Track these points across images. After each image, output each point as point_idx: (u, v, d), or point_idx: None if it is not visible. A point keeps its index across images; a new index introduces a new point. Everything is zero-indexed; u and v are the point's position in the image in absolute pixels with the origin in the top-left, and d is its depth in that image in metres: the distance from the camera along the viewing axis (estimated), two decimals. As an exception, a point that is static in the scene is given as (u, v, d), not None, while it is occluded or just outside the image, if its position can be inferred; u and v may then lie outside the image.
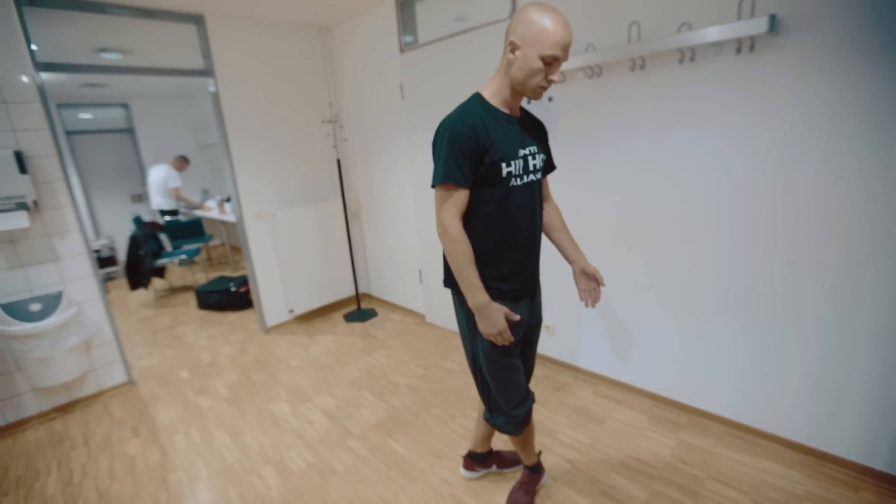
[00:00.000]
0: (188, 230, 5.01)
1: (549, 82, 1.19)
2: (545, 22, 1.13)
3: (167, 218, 5.23)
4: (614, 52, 1.88)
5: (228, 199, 5.29)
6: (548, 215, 1.49)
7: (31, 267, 2.43)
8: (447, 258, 1.28)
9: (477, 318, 1.28)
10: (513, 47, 1.19)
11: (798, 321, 1.69)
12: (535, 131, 1.37)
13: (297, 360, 2.96)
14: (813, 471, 1.70)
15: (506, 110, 1.28)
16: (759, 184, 1.68)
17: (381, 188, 3.46)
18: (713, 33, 1.61)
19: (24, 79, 2.31)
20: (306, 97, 3.48)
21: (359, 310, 3.63)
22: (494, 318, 1.25)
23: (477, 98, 1.29)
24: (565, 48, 1.15)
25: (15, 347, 2.33)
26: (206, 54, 2.96)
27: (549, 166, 1.45)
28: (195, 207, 5.61)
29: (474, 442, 1.77)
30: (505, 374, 1.39)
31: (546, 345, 2.60)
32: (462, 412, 2.24)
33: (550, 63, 1.16)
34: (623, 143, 2.02)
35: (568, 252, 1.48)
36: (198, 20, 2.90)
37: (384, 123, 3.24)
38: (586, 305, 1.47)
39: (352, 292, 3.78)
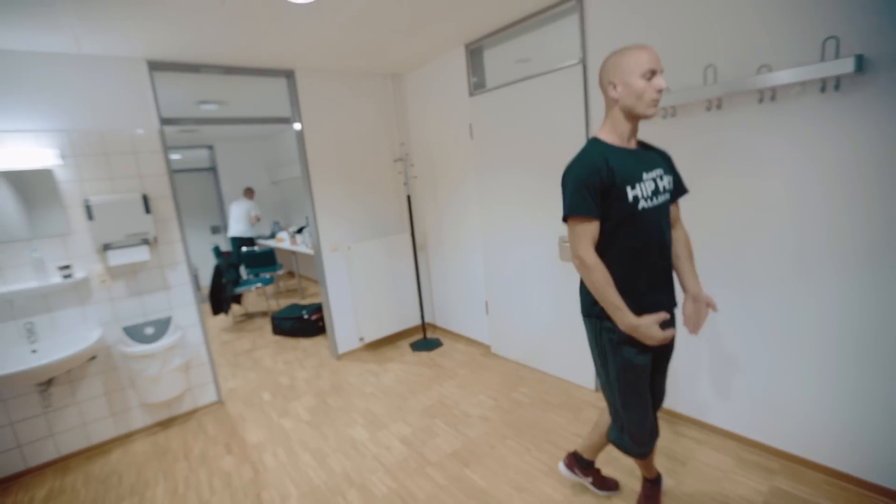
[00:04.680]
0: (262, 259, 5.40)
1: (659, 91, 1.31)
2: (627, 54, 1.33)
3: (244, 248, 5.68)
4: (690, 93, 1.94)
5: (300, 231, 5.67)
6: (674, 242, 1.53)
7: (147, 295, 2.75)
8: (588, 287, 1.38)
9: (635, 337, 1.35)
10: (613, 85, 1.35)
11: (905, 364, 1.61)
12: (657, 156, 1.47)
13: (370, 386, 3.09)
14: (933, 529, 1.57)
15: (624, 145, 1.40)
16: (851, 221, 1.65)
17: (449, 223, 3.63)
18: (794, 74, 1.64)
19: (152, 132, 2.69)
20: (379, 137, 3.75)
21: (425, 339, 3.74)
22: (649, 332, 1.31)
23: (593, 141, 1.42)
24: (656, 61, 1.31)
25: (131, 366, 2.62)
26: (294, 103, 3.30)
27: (679, 190, 1.53)
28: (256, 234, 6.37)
29: (583, 447, 1.85)
30: (635, 401, 1.47)
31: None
32: (537, 446, 2.25)
33: (650, 78, 1.30)
34: (699, 180, 2.04)
35: (685, 280, 1.52)
36: (289, 74, 3.25)
37: (453, 161, 3.43)
38: (689, 332, 1.48)
39: (418, 322, 3.92)
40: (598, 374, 1.57)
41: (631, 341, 1.40)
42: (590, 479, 1.88)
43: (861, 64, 1.53)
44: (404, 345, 3.77)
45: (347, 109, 3.55)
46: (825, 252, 1.73)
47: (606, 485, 1.88)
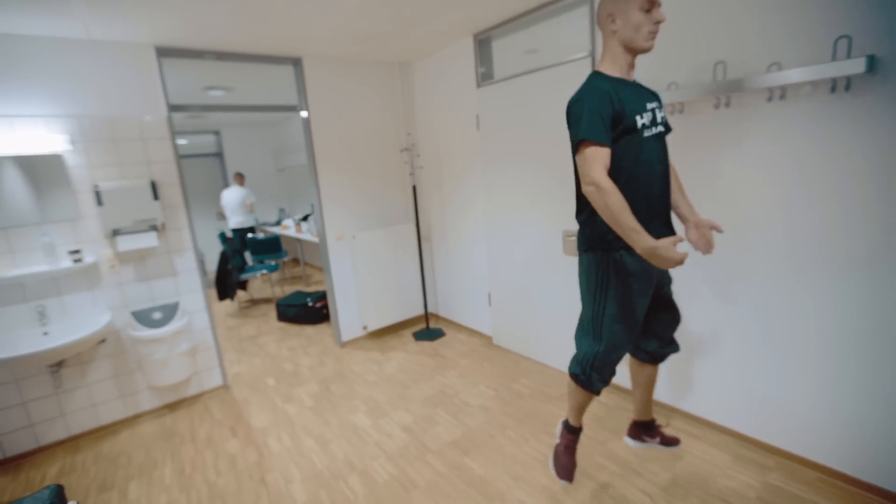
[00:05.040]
0: (267, 246, 5.44)
1: (657, 22, 1.36)
2: None
3: (249, 235, 5.71)
4: (699, 89, 1.92)
5: (305, 219, 5.69)
6: None
7: (155, 280, 2.79)
8: (603, 212, 1.34)
9: (651, 261, 1.32)
10: (612, 18, 1.40)
11: (903, 366, 1.62)
12: (650, 93, 1.52)
13: (372, 374, 3.14)
14: (923, 528, 1.60)
15: (624, 77, 1.45)
16: (856, 221, 1.65)
17: (453, 214, 3.64)
18: (805, 73, 1.62)
19: (160, 119, 2.71)
20: (386, 126, 3.74)
21: (427, 329, 3.78)
22: (669, 254, 1.29)
23: (596, 74, 1.46)
24: None
25: (139, 350, 2.68)
26: (301, 91, 3.30)
27: (666, 128, 1.56)
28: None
29: (638, 412, 1.89)
30: (626, 327, 1.52)
31: (621, 374, 2.59)
32: (535, 436, 2.29)
33: (649, 10, 1.35)
34: (706, 176, 2.03)
35: (682, 210, 1.59)
36: (296, 62, 3.24)
37: (459, 152, 3.42)
38: (703, 253, 1.54)
39: (421, 311, 3.95)
40: (589, 305, 1.57)
41: (635, 275, 1.45)
42: (657, 440, 1.91)
43: (872, 64, 1.52)
44: (407, 334, 3.81)
45: (354, 97, 3.54)
46: (830, 251, 1.73)
47: (671, 441, 1.91)
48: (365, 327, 3.71)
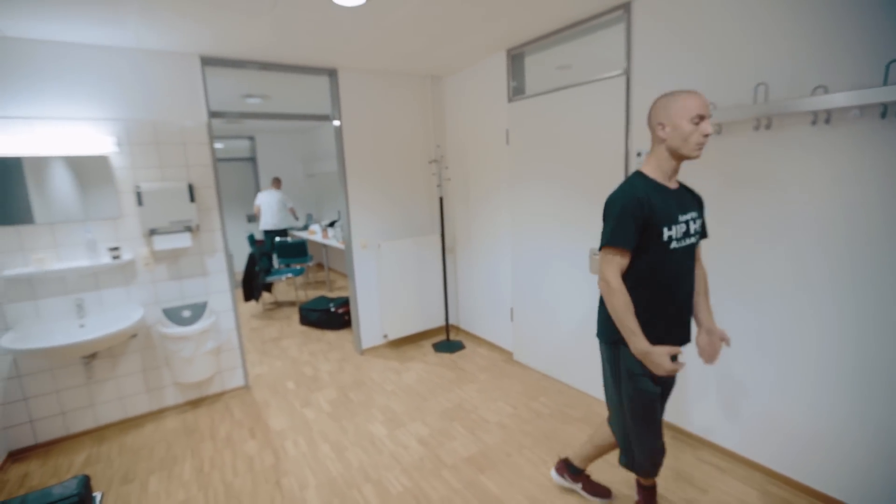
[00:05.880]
0: (294, 250, 5.54)
1: (705, 136, 1.37)
2: (678, 98, 1.40)
3: (277, 239, 5.84)
4: (738, 111, 1.88)
5: (332, 225, 5.79)
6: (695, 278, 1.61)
7: (186, 279, 2.88)
8: (609, 309, 1.45)
9: (644, 363, 1.42)
10: (662, 127, 1.42)
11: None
12: (692, 200, 1.55)
13: (391, 384, 3.13)
14: (977, 589, 1.47)
15: (665, 183, 1.47)
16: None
17: (479, 227, 3.63)
18: (854, 97, 1.56)
19: (200, 124, 2.81)
20: (415, 137, 3.79)
21: (448, 341, 3.76)
22: (659, 360, 1.38)
23: (638, 175, 1.49)
24: (704, 107, 1.38)
25: (167, 346, 2.75)
26: (335, 100, 3.37)
27: (703, 233, 1.60)
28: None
29: (576, 455, 1.92)
30: (649, 427, 1.55)
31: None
32: (554, 458, 2.23)
33: (698, 122, 1.36)
34: (741, 199, 1.97)
35: (700, 314, 1.61)
36: (332, 73, 3.33)
37: (487, 165, 3.43)
38: (705, 362, 1.58)
39: (441, 323, 3.94)
40: (610, 398, 1.64)
41: (647, 372, 1.47)
42: (580, 485, 1.94)
43: (929, 90, 1.45)
44: (427, 345, 3.80)
45: (386, 108, 3.59)
46: (873, 284, 1.64)
47: (597, 491, 1.92)
48: (385, 336, 3.72)
